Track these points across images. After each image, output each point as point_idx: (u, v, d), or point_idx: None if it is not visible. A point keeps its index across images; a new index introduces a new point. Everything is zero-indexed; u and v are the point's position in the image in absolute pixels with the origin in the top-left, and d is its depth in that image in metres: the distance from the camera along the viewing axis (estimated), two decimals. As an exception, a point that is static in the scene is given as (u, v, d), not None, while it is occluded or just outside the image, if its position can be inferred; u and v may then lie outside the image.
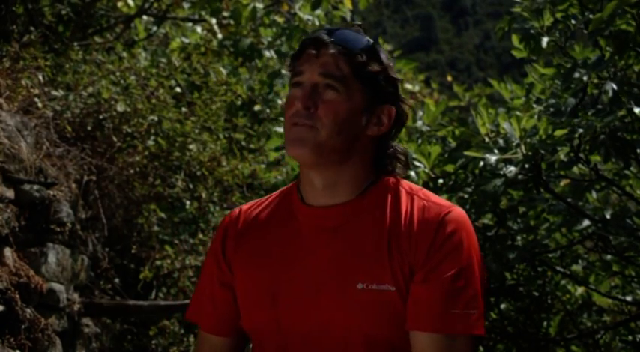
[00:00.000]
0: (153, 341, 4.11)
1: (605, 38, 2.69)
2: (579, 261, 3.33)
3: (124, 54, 4.71)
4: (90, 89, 3.97)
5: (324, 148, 1.52)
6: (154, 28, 5.75)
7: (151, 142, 4.12)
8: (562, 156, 2.69)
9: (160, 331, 4.10)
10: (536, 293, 3.27)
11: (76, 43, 4.48)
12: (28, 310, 3.02)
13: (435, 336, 1.47)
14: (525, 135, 2.59)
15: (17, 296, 2.95)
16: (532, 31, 2.89)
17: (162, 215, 4.18)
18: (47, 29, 4.35)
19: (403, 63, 6.07)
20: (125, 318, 4.06)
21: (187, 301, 3.58)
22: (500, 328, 3.24)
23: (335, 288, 1.51)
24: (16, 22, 4.11)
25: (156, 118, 4.11)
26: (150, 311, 3.90)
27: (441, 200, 1.57)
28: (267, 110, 5.36)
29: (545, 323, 3.38)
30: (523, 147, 2.59)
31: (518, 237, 3.04)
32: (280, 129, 4.62)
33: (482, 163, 2.73)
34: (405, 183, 1.61)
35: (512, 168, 2.59)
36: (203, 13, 5.74)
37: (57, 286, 3.29)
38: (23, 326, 2.98)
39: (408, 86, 7.13)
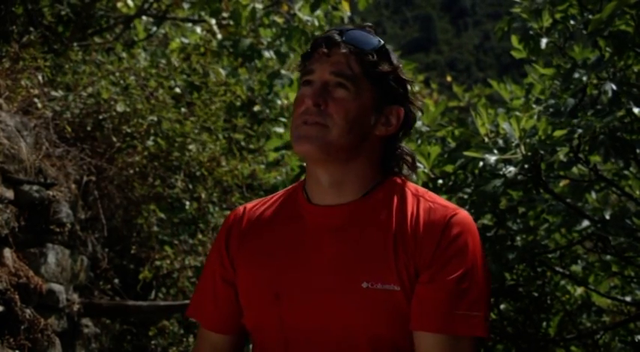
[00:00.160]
0: (152, 342, 4.11)
1: (604, 38, 2.69)
2: (579, 261, 3.33)
3: (124, 54, 4.71)
4: (89, 89, 3.97)
5: (333, 146, 1.52)
6: (154, 29, 5.75)
7: (150, 143, 4.12)
8: (561, 156, 2.69)
9: (160, 331, 4.10)
10: (536, 294, 3.27)
11: (75, 44, 4.48)
12: (28, 310, 3.02)
13: (438, 337, 1.47)
14: (525, 136, 2.59)
15: (17, 296, 2.95)
16: (531, 32, 2.90)
17: (162, 215, 4.18)
18: (47, 29, 4.35)
19: (403, 63, 6.07)
20: (124, 319, 4.06)
21: (187, 301, 3.57)
22: (500, 328, 3.24)
23: (340, 287, 1.52)
24: (15, 23, 4.11)
25: (155, 119, 4.11)
26: (149, 311, 3.90)
27: (447, 202, 1.58)
28: (267, 110, 5.36)
29: (544, 323, 3.38)
30: (523, 147, 2.59)
31: (518, 238, 3.04)
32: (280, 130, 4.62)
33: (481, 164, 2.73)
34: (410, 184, 1.62)
35: (511, 169, 2.59)
36: (203, 13, 5.73)
37: (56, 286, 3.29)
38: (23, 327, 2.98)
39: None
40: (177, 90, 4.58)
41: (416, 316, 1.49)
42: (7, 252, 3.01)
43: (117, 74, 4.18)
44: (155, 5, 5.53)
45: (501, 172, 2.61)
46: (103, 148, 3.95)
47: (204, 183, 4.37)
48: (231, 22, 5.65)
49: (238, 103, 5.05)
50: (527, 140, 2.59)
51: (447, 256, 1.50)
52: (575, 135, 2.54)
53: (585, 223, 2.84)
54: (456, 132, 3.03)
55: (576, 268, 3.34)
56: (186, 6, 5.79)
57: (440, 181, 2.99)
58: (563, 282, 3.44)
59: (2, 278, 2.90)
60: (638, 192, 3.01)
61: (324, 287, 1.53)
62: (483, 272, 1.52)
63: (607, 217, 2.79)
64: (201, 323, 1.71)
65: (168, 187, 4.23)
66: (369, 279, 1.50)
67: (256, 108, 5.35)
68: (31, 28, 4.17)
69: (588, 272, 3.31)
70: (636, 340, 3.10)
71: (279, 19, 5.92)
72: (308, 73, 1.57)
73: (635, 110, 2.54)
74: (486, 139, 2.76)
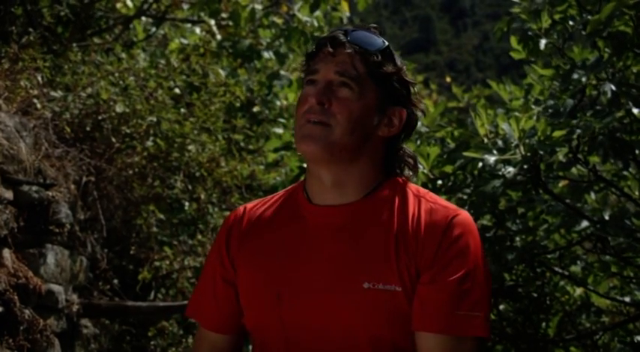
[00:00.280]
0: (152, 342, 4.10)
1: (603, 39, 2.69)
2: (578, 261, 3.33)
3: (123, 55, 4.71)
4: (89, 90, 3.97)
5: (336, 146, 1.53)
6: (153, 29, 5.75)
7: (149, 143, 4.12)
8: (561, 157, 2.69)
9: (159, 332, 4.09)
10: (535, 294, 3.27)
11: (74, 44, 4.48)
12: (27, 311, 3.02)
13: (440, 337, 1.48)
14: (524, 136, 2.59)
15: (16, 297, 2.95)
16: (530, 33, 2.90)
17: (161, 216, 4.18)
18: (46, 30, 4.35)
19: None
20: (124, 319, 4.06)
21: (186, 302, 3.56)
22: (499, 329, 3.24)
23: (341, 287, 1.52)
24: (14, 23, 4.10)
25: (155, 119, 4.11)
26: (149, 312, 3.90)
27: (448, 203, 1.59)
28: (266, 111, 5.37)
29: (543, 324, 3.38)
30: (522, 148, 2.59)
31: (517, 238, 3.04)
32: (279, 131, 4.63)
33: (481, 164, 2.74)
34: (412, 185, 1.62)
35: (511, 169, 2.59)
36: (202, 14, 5.74)
37: (55, 287, 3.29)
38: (22, 328, 2.98)
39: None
40: (177, 90, 4.58)
41: (418, 317, 1.49)
42: (6, 253, 3.01)
43: (116, 75, 4.18)
44: (154, 6, 5.52)
45: (500, 173, 2.61)
46: (103, 149, 3.94)
47: (203, 184, 4.37)
48: (231, 23, 5.65)
49: (237, 104, 5.05)
50: (527, 141, 2.59)
51: (449, 257, 1.50)
52: (575, 136, 2.54)
53: (584, 224, 2.85)
54: (456, 133, 3.03)
55: (575, 269, 3.34)
56: (185, 7, 5.79)
57: (439, 182, 2.99)
58: (562, 283, 3.44)
59: (1, 279, 2.90)
60: (637, 193, 3.00)
61: (324, 288, 1.53)
62: (484, 272, 1.53)
63: (606, 218, 2.79)
64: (200, 322, 1.71)
65: (168, 188, 4.23)
66: (370, 280, 1.50)
67: (255, 108, 5.35)
68: (31, 29, 4.17)
69: (587, 273, 3.31)
70: (635, 341, 3.10)
71: (278, 20, 5.92)
72: (312, 72, 1.57)
73: (635, 111, 2.54)
74: (486, 140, 2.76)
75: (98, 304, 3.70)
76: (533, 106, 3.00)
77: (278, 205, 1.66)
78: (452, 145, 2.99)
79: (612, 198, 3.35)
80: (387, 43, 1.58)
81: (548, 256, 3.13)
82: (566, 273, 3.18)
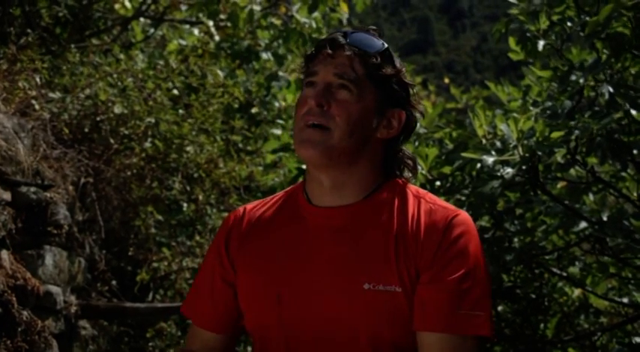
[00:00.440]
0: (150, 344, 4.10)
1: (601, 41, 2.69)
2: (576, 262, 3.33)
3: (121, 56, 4.71)
4: (87, 91, 3.97)
5: (335, 150, 1.53)
6: (151, 30, 5.75)
7: (148, 144, 4.12)
8: (559, 158, 2.69)
9: (157, 333, 4.09)
10: (533, 295, 3.28)
11: (73, 45, 4.47)
12: (25, 312, 3.02)
13: (441, 336, 1.48)
14: (522, 137, 2.60)
15: (14, 298, 2.95)
16: (529, 34, 2.90)
17: (160, 217, 4.18)
18: (44, 31, 4.35)
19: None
20: (122, 320, 4.05)
21: (184, 303, 3.57)
22: (498, 330, 3.24)
23: (341, 288, 1.52)
24: (13, 24, 4.10)
25: (153, 120, 4.10)
26: (147, 313, 3.89)
27: (447, 204, 1.60)
28: (265, 112, 5.36)
29: (542, 325, 3.38)
30: (520, 149, 2.59)
31: (515, 239, 3.05)
32: (277, 132, 4.63)
33: (479, 165, 2.74)
34: (411, 186, 1.62)
35: (509, 170, 2.59)
36: (200, 15, 5.73)
37: (54, 288, 3.29)
38: (20, 329, 2.97)
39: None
40: (175, 91, 4.58)
41: (419, 317, 1.50)
42: (4, 254, 3.01)
43: (114, 76, 4.18)
44: (153, 7, 5.52)
45: (499, 174, 2.61)
46: (101, 150, 3.94)
47: (201, 185, 4.37)
48: (229, 24, 5.65)
49: (236, 105, 5.05)
50: (525, 142, 2.59)
51: (448, 257, 1.50)
52: (573, 137, 2.54)
53: (583, 225, 2.85)
54: (454, 134, 3.03)
55: (574, 270, 3.34)
56: (183, 8, 5.79)
57: (437, 183, 3.00)
58: (560, 284, 3.44)
59: (-1, 280, 2.90)
60: (635, 194, 3.01)
61: (325, 289, 1.53)
62: (484, 272, 1.53)
63: (604, 219, 2.80)
64: (194, 320, 1.71)
65: (166, 189, 4.22)
66: (370, 280, 1.51)
67: (254, 110, 5.34)
68: (29, 30, 4.17)
69: (586, 274, 3.31)
70: (633, 342, 3.11)
71: (276, 21, 5.92)
72: (311, 74, 1.57)
73: (633, 112, 2.55)
74: (484, 141, 2.76)
75: (96, 305, 3.70)
76: (531, 107, 3.00)
77: (278, 206, 1.66)
78: (450, 146, 2.99)
79: (610, 199, 3.35)
80: (386, 45, 1.58)
81: (547, 257, 3.14)
82: (565, 274, 3.18)
